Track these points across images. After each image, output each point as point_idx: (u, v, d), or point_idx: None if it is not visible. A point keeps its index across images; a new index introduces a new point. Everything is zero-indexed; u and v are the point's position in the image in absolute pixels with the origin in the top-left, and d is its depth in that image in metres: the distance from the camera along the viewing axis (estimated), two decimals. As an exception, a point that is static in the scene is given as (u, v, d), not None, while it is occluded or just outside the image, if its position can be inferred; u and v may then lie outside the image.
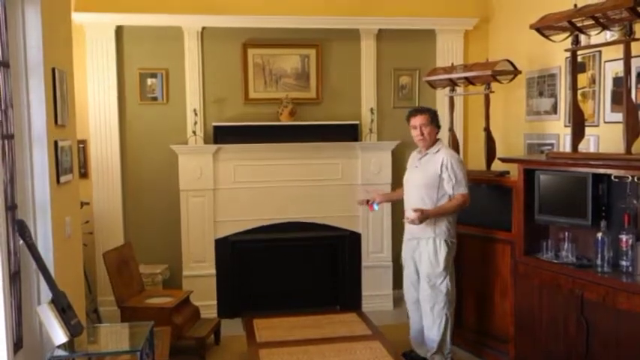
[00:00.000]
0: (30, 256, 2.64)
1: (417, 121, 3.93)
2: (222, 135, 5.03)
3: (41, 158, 2.80)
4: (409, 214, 3.79)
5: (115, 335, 3.20)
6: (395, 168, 5.18)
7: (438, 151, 3.91)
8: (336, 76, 5.32)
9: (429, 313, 3.90)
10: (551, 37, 3.63)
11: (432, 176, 3.86)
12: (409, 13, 5.28)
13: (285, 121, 5.09)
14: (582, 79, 3.89)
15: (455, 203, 3.82)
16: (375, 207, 4.33)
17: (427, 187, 3.87)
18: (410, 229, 3.99)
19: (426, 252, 3.87)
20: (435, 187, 3.84)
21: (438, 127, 4.00)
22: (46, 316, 2.58)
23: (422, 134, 3.91)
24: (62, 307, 2.63)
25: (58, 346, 2.61)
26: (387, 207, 5.23)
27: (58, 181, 2.95)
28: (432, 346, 3.92)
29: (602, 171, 3.19)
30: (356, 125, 5.26)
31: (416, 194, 3.93)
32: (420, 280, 3.96)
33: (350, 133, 5.24)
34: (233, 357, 4.28)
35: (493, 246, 4.11)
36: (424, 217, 3.75)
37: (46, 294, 2.72)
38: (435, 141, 3.95)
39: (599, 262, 3.24)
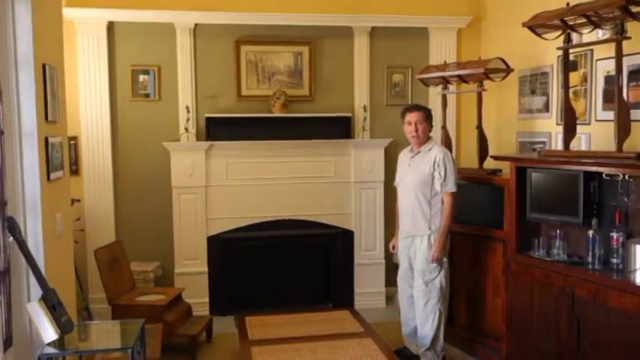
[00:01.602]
0: (20, 253, 2.61)
1: (413, 117, 3.93)
2: (214, 126, 5.00)
3: (31, 154, 2.77)
4: (430, 259, 3.85)
5: (106, 333, 3.17)
6: (387, 166, 5.18)
7: (431, 149, 3.92)
8: (329, 74, 5.31)
9: (422, 308, 3.91)
10: (543, 36, 3.64)
11: (425, 174, 3.86)
12: (402, 11, 5.27)
13: (277, 113, 5.07)
14: (574, 77, 3.90)
15: (448, 211, 3.84)
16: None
17: (421, 185, 3.88)
18: (405, 228, 4.01)
19: (421, 248, 3.89)
20: (429, 185, 3.86)
21: (431, 126, 4.01)
22: (36, 313, 2.56)
23: (416, 131, 3.91)
24: (52, 305, 2.61)
25: (48, 344, 2.59)
26: (380, 205, 5.25)
27: (48, 177, 2.93)
28: (425, 343, 3.93)
29: (593, 169, 3.20)
30: (348, 117, 5.26)
31: (411, 193, 3.94)
32: (414, 277, 3.97)
33: (343, 126, 5.23)
34: (225, 354, 4.27)
35: (485, 244, 4.12)
36: (438, 248, 3.82)
37: (36, 291, 2.70)
38: (427, 139, 3.96)
39: (590, 259, 3.26)
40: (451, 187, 3.83)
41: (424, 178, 3.87)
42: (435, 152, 3.88)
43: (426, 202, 3.87)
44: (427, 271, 3.87)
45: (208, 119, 5.01)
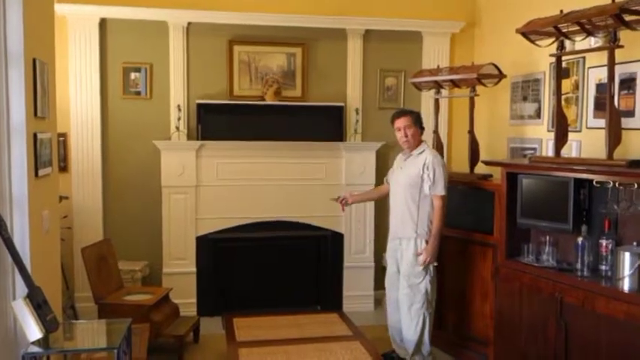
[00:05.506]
0: (6, 250, 2.58)
1: (401, 122, 3.94)
2: (205, 113, 4.95)
3: (19, 150, 2.74)
4: (419, 260, 3.85)
5: (91, 332, 3.14)
6: (379, 169, 5.18)
7: (421, 152, 3.93)
8: (322, 76, 5.30)
9: (406, 312, 3.91)
10: (536, 42, 3.65)
11: (414, 177, 3.87)
12: (396, 15, 5.28)
13: (270, 101, 5.04)
14: (566, 84, 3.92)
15: (438, 213, 3.83)
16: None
17: (410, 188, 3.88)
18: (393, 230, 4.01)
19: (408, 252, 3.89)
20: (417, 187, 3.86)
21: (422, 128, 4.02)
22: (21, 311, 2.53)
23: (406, 136, 3.92)
24: (38, 303, 2.58)
25: (33, 343, 2.56)
26: (370, 208, 5.23)
27: (36, 174, 2.89)
28: (410, 347, 3.93)
29: (584, 176, 3.21)
30: (341, 107, 5.22)
31: (400, 195, 3.95)
32: (400, 280, 3.96)
33: (335, 117, 5.19)
34: (212, 356, 4.24)
35: (474, 249, 4.13)
36: (430, 252, 3.81)
37: (21, 289, 2.66)
38: (419, 142, 3.97)
39: (579, 266, 3.27)
40: (440, 190, 3.83)
41: (413, 180, 3.87)
42: (424, 155, 3.89)
43: (414, 204, 3.87)
44: (412, 275, 3.87)
45: (200, 106, 4.97)
